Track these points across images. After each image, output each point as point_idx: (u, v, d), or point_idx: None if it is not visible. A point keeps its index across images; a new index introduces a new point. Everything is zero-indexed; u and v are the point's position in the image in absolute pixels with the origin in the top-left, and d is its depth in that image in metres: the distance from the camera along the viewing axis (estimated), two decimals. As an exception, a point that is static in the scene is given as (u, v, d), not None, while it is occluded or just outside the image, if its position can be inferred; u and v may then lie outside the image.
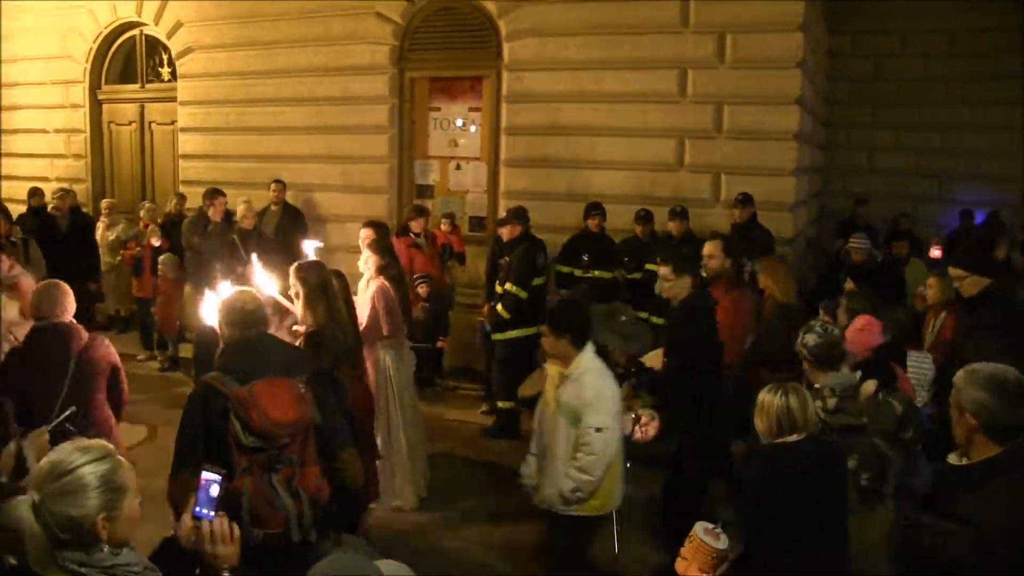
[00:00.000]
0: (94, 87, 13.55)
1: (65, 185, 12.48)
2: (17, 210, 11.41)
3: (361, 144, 11.00)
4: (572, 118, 9.84)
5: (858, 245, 8.85)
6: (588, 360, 4.70)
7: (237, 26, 11.82)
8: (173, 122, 12.80)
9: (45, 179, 13.26)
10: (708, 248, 6.75)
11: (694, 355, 5.81)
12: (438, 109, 10.89)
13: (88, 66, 13.44)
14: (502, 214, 9.42)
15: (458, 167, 10.82)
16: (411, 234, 9.35)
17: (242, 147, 11.91)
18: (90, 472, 2.24)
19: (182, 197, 11.64)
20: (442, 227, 10.03)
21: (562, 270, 9.12)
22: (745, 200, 8.78)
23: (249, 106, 11.83)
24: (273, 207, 10.72)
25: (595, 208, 9.11)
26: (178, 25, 12.34)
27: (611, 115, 9.68)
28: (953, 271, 5.91)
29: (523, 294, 8.26)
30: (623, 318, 6.62)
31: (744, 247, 8.16)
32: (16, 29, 13.81)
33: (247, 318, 3.92)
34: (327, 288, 4.98)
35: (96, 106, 13.64)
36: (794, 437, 3.83)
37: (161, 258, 10.35)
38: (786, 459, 3.83)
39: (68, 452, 2.27)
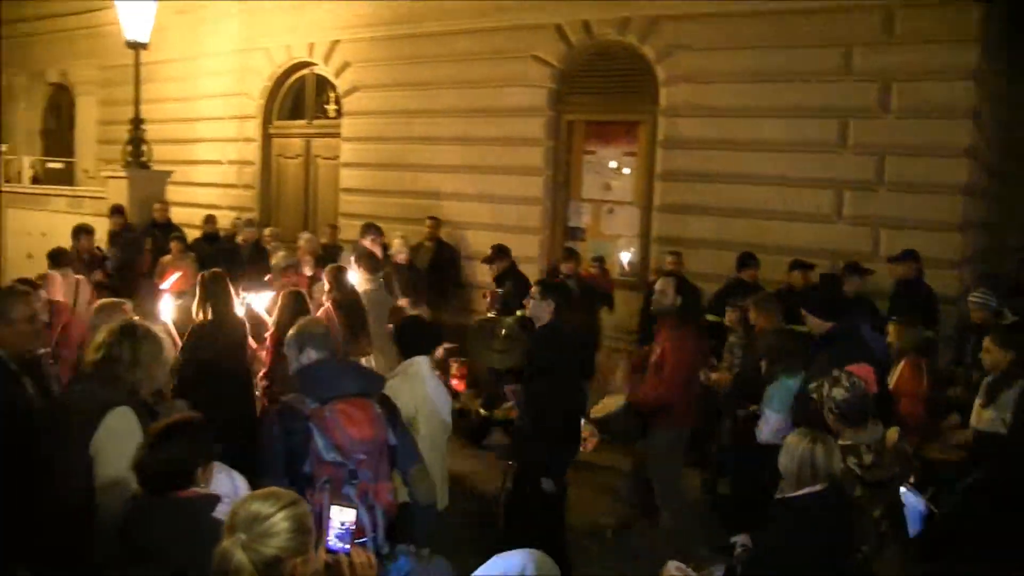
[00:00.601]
0: (266, 122, 14.32)
1: (236, 214, 13.20)
2: (192, 235, 12.11)
3: (515, 185, 11.18)
4: (727, 166, 9.73)
5: (978, 300, 7.41)
6: (401, 368, 4.88)
7: (400, 67, 12.27)
8: (336, 157, 13.35)
9: (217, 207, 14.02)
10: (659, 285, 6.57)
11: (550, 380, 5.74)
12: (593, 152, 10.96)
13: (262, 103, 14.22)
14: (661, 259, 9.60)
15: (611, 211, 10.84)
16: (560, 276, 9.41)
17: (400, 183, 12.30)
18: (283, 517, 2.41)
19: (334, 228, 12.10)
20: (591, 269, 10.04)
21: (711, 319, 8.95)
22: (907, 256, 8.39)
23: (408, 144, 12.23)
24: (427, 243, 11.01)
25: (750, 259, 8.90)
26: (345, 65, 12.90)
27: (767, 163, 9.52)
28: (805, 316, 5.68)
29: None
30: (503, 331, 6.64)
31: (910, 306, 7.81)
32: (202, 70, 14.85)
33: (322, 342, 4.29)
34: None
35: (267, 140, 14.39)
36: (818, 487, 3.81)
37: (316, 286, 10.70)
38: (812, 510, 3.82)
39: (262, 499, 2.46)
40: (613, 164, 10.84)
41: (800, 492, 3.84)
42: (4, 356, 4.16)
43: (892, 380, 6.38)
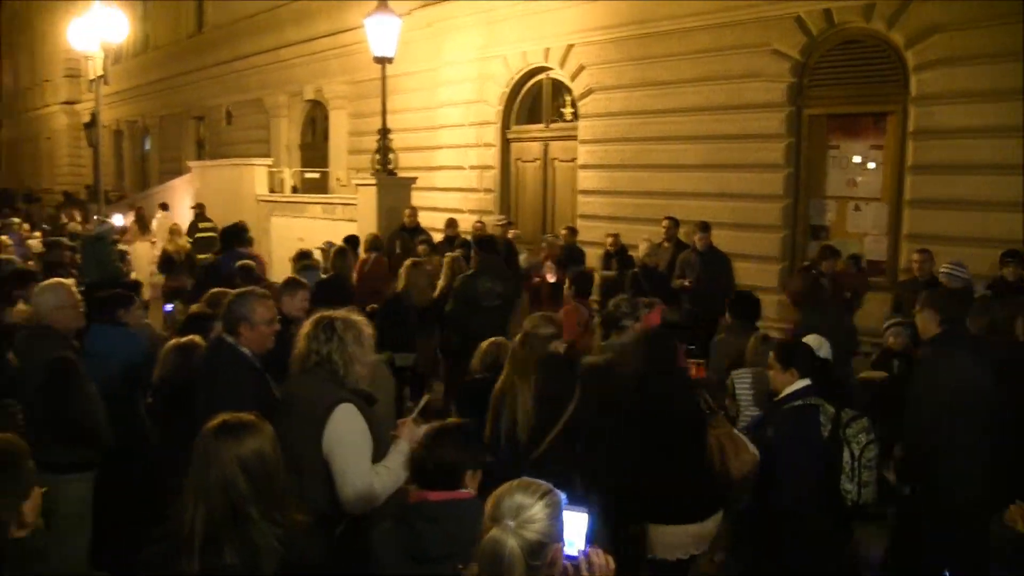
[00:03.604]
0: (504, 128, 14.77)
1: (477, 217, 13.70)
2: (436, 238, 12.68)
3: (754, 182, 10.94)
4: (989, 155, 9.04)
5: None
6: None
7: (635, 67, 12.28)
8: (573, 159, 13.55)
9: (459, 211, 14.61)
10: None
11: None
12: (836, 147, 10.53)
13: (500, 109, 14.67)
14: (910, 256, 8.98)
15: (856, 208, 10.37)
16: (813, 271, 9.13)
17: (637, 183, 12.33)
18: (544, 504, 2.55)
19: (573, 231, 12.24)
20: (840, 266, 9.59)
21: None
22: None
23: (645, 143, 12.22)
24: (665, 244, 10.95)
25: (1011, 256, 8.27)
26: (580, 68, 13.06)
27: (1033, 151, 8.77)
28: None
29: None
30: None
31: None
32: (443, 79, 15.52)
33: None
34: None
35: (505, 145, 14.84)
36: None
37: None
38: None
39: (522, 489, 2.58)
40: (858, 158, 10.36)
41: None
42: (249, 355, 4.47)
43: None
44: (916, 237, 9.47)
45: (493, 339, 5.60)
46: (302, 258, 9.86)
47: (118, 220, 17.88)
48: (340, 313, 4.11)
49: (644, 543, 4.74)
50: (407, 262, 8.85)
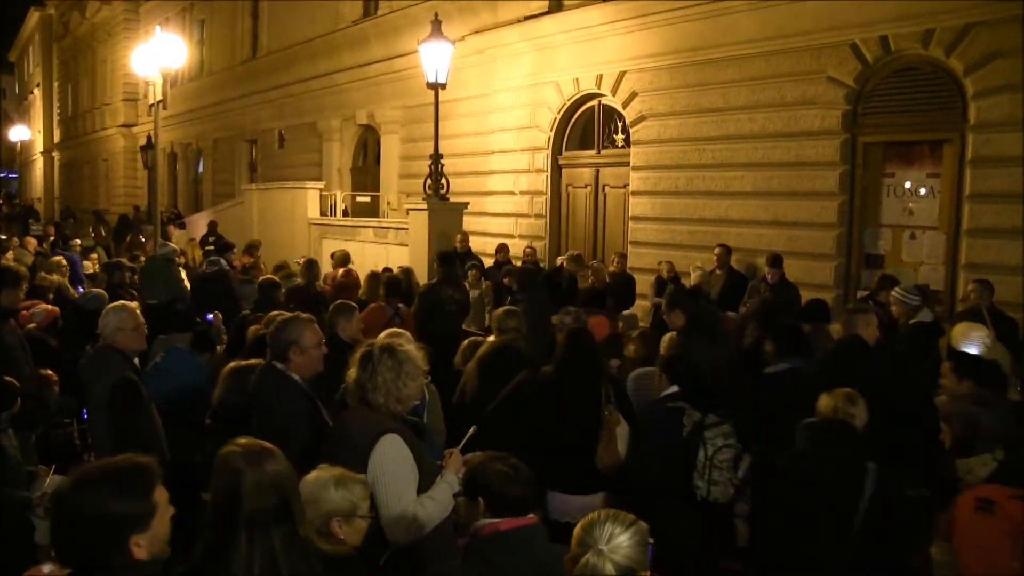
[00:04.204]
0: (556, 153, 14.84)
1: (528, 242, 13.75)
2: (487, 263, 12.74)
3: (808, 210, 10.88)
4: (1050, 184, 8.91)
5: None
6: None
7: (688, 94, 12.30)
8: (625, 185, 13.57)
9: (510, 236, 14.69)
10: None
11: None
12: (892, 175, 10.45)
13: (551, 135, 14.74)
14: (964, 287, 8.83)
15: (912, 236, 10.27)
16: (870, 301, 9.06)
17: (689, 211, 12.32)
18: (632, 532, 2.67)
19: (623, 256, 12.24)
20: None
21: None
22: None
23: (697, 170, 12.22)
24: (717, 271, 10.93)
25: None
26: (633, 95, 13.10)
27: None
28: None
29: None
30: None
31: None
32: (495, 105, 15.65)
33: None
34: None
35: (556, 170, 14.90)
36: None
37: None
38: None
39: (612, 519, 2.71)
40: (914, 187, 10.27)
41: None
42: (299, 381, 4.47)
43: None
44: (974, 267, 9.35)
45: (472, 338, 6.96)
46: (280, 269, 11.35)
47: None
48: (384, 340, 4.12)
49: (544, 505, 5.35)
50: (368, 273, 10.77)
